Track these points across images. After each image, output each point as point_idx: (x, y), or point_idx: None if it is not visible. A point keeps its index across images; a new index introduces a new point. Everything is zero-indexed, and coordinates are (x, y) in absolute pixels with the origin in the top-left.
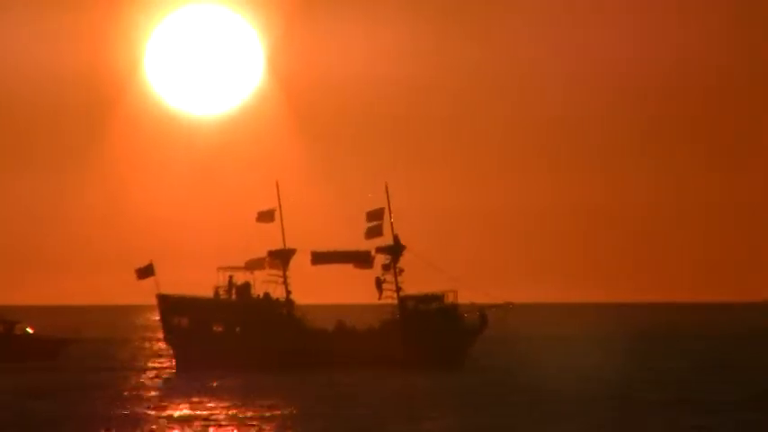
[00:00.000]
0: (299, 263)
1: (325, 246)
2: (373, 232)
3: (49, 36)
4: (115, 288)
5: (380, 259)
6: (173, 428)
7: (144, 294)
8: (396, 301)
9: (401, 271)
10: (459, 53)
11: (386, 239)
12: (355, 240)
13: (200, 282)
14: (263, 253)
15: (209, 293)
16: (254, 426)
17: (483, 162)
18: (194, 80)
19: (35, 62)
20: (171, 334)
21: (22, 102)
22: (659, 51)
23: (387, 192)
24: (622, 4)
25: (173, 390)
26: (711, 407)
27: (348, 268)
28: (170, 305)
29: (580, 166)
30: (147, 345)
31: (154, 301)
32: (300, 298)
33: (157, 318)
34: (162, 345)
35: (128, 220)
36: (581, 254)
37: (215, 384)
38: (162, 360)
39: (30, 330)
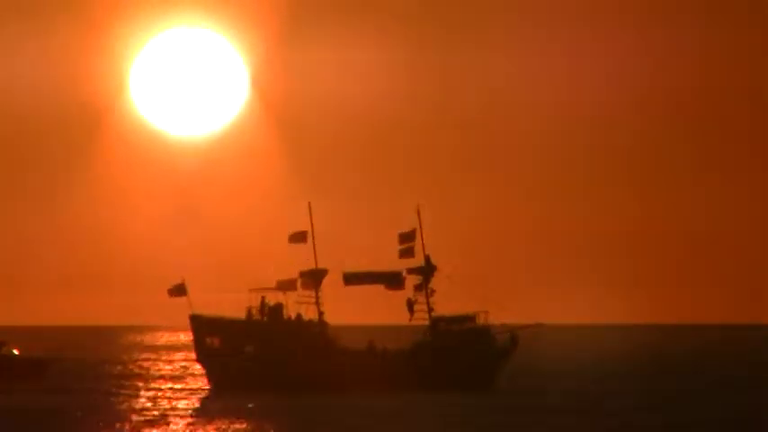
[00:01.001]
0: (331, 283)
1: (356, 266)
2: (405, 253)
3: (34, 58)
4: (100, 309)
5: (412, 280)
6: None
7: (123, 316)
8: (427, 322)
9: (433, 292)
10: (450, 70)
11: (417, 260)
12: (387, 261)
13: (233, 303)
14: (294, 274)
15: (240, 314)
16: None
17: (513, 182)
18: (179, 102)
19: (20, 84)
20: (203, 354)
21: (7, 123)
22: (678, 69)
23: (418, 213)
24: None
25: (205, 411)
26: None
27: (379, 289)
28: (203, 325)
29: (613, 184)
30: (139, 366)
31: (137, 322)
32: (332, 319)
33: (140, 339)
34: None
35: (112, 240)
36: (614, 274)
37: (247, 405)
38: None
39: (15, 352)
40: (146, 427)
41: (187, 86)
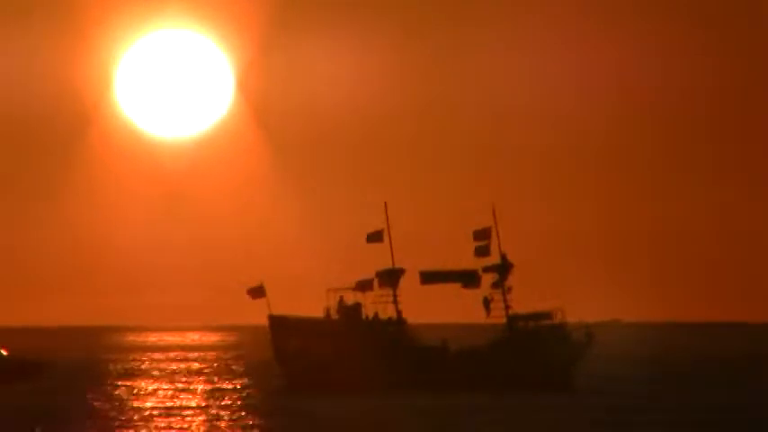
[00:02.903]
0: (407, 283)
1: (432, 265)
2: (481, 252)
3: (20, 60)
4: (86, 310)
5: (488, 278)
6: None
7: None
8: (503, 320)
9: (509, 289)
10: (437, 71)
11: (493, 258)
12: (463, 259)
13: (311, 303)
14: (371, 274)
15: (318, 315)
16: None
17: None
18: (165, 103)
19: (6, 86)
20: (281, 354)
21: None
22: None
23: (493, 212)
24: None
25: (282, 410)
26: None
27: (455, 287)
28: (281, 326)
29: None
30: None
31: (123, 323)
32: (409, 317)
33: (132, 338)
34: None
35: (99, 241)
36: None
37: (325, 405)
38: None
39: (3, 352)
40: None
41: (173, 88)
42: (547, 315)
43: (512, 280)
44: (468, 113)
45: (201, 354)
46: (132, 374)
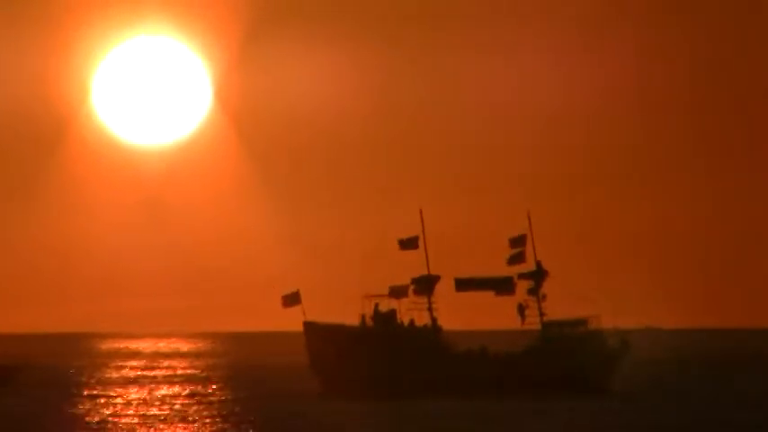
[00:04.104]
0: (442, 289)
1: (466, 272)
2: (516, 259)
3: None
4: (62, 316)
5: (523, 285)
6: None
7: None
8: (538, 327)
9: (544, 296)
10: (418, 77)
11: (528, 266)
12: (498, 266)
13: (346, 310)
14: (406, 280)
15: (353, 321)
16: None
17: (623, 184)
18: (142, 110)
19: None
20: (317, 361)
21: None
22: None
23: (529, 218)
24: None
25: (317, 417)
26: None
27: (490, 295)
28: (316, 333)
29: (726, 183)
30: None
31: (101, 329)
32: (444, 324)
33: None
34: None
35: (75, 248)
36: (728, 279)
37: (360, 411)
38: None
39: None
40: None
41: (150, 95)
42: (582, 322)
43: (546, 287)
44: (456, 114)
45: (210, 361)
46: (105, 382)
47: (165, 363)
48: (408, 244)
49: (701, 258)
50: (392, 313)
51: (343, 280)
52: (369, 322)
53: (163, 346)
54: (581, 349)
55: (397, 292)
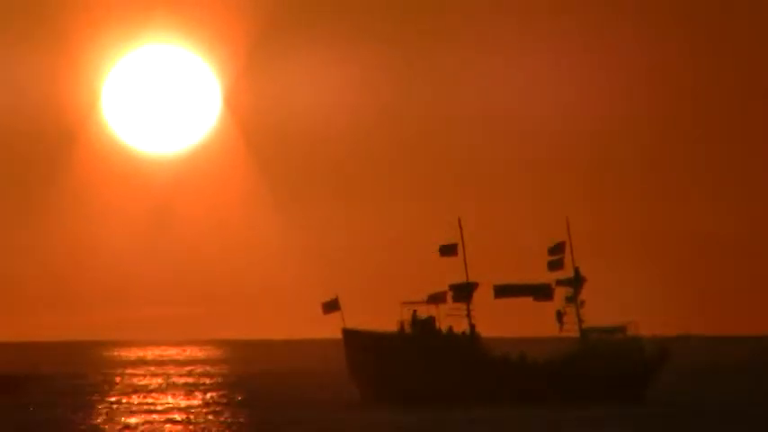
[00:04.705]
0: (480, 296)
1: (505, 279)
2: (554, 265)
3: (5, 75)
4: (71, 324)
5: (561, 292)
6: None
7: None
8: (576, 334)
9: (582, 303)
10: (426, 81)
11: (567, 272)
12: (536, 273)
13: (384, 317)
14: (444, 287)
15: (391, 328)
16: None
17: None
18: (152, 119)
19: None
20: (356, 368)
21: None
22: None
23: (567, 225)
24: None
25: (355, 425)
26: None
27: (528, 301)
28: (355, 339)
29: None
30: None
31: (111, 337)
32: (482, 331)
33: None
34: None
35: (86, 256)
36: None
37: (401, 419)
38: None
39: None
40: None
41: (159, 103)
42: (620, 329)
43: (585, 294)
44: (482, 119)
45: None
46: (116, 390)
47: (183, 370)
48: (448, 251)
49: (744, 265)
50: (431, 320)
51: (379, 287)
52: (407, 329)
53: (175, 353)
54: (619, 356)
55: (435, 299)
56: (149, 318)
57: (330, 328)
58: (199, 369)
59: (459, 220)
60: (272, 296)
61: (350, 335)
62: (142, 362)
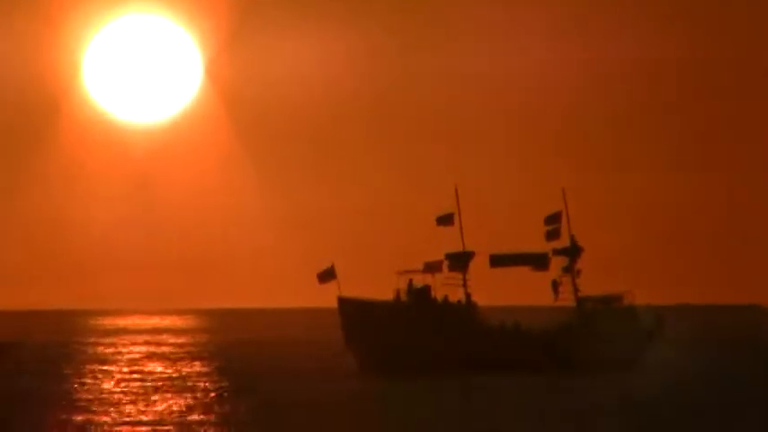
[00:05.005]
0: (476, 265)
1: (501, 248)
2: (551, 235)
3: None
4: (56, 293)
5: (557, 261)
6: None
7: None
8: (572, 303)
9: (578, 272)
10: (409, 54)
11: (563, 242)
12: (532, 242)
13: (380, 285)
14: (440, 256)
15: (386, 297)
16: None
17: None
18: (134, 88)
19: None
20: (351, 337)
21: None
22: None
23: (564, 195)
24: None
25: (354, 393)
26: None
27: (525, 270)
28: (351, 308)
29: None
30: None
31: (94, 306)
32: (478, 300)
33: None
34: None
35: (69, 226)
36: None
37: (396, 387)
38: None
39: None
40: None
41: (141, 73)
42: (616, 298)
43: (581, 263)
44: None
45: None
46: (101, 358)
47: (169, 339)
48: (445, 220)
49: (738, 235)
50: (426, 289)
51: (373, 255)
52: (403, 298)
53: (157, 322)
54: (614, 325)
55: (431, 268)
56: (130, 287)
57: (312, 297)
58: (181, 338)
59: (456, 189)
60: (254, 264)
61: (346, 303)
62: (124, 331)
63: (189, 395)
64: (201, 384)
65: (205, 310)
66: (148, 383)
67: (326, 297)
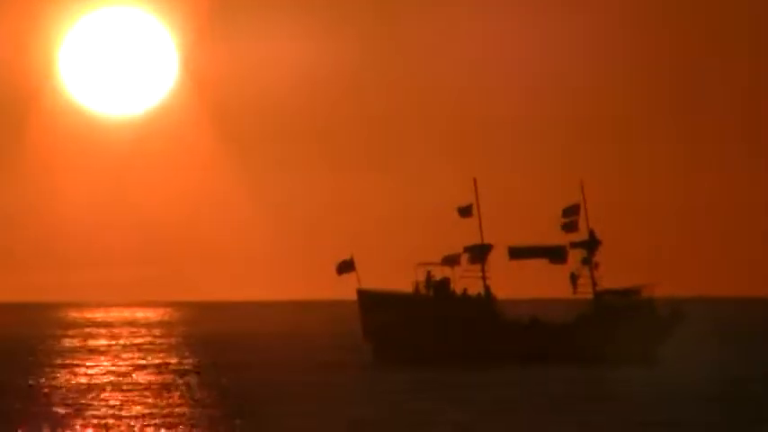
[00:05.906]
0: (495, 258)
1: (519, 241)
2: (569, 227)
3: None
4: (27, 286)
5: (575, 254)
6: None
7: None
8: (590, 296)
9: (597, 265)
10: (390, 50)
11: (581, 234)
12: (551, 235)
13: (399, 278)
14: (459, 249)
15: (406, 289)
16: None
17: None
18: (110, 81)
19: None
20: (370, 329)
21: None
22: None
23: (582, 187)
24: None
25: (371, 385)
26: None
27: (543, 263)
28: (370, 300)
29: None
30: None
31: (66, 299)
32: (497, 293)
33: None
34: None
35: (43, 219)
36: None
37: (415, 379)
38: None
39: None
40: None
41: (117, 65)
42: (635, 291)
43: (599, 256)
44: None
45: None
46: (73, 351)
47: (143, 331)
48: (465, 212)
49: (760, 227)
50: (446, 281)
51: (390, 248)
52: (422, 290)
53: (137, 314)
54: (632, 318)
55: (450, 261)
56: (107, 279)
57: (299, 291)
58: (156, 330)
59: (475, 181)
60: (232, 257)
61: (365, 295)
62: (103, 324)
63: (188, 388)
64: (184, 379)
65: (183, 303)
66: (127, 377)
67: (346, 289)
